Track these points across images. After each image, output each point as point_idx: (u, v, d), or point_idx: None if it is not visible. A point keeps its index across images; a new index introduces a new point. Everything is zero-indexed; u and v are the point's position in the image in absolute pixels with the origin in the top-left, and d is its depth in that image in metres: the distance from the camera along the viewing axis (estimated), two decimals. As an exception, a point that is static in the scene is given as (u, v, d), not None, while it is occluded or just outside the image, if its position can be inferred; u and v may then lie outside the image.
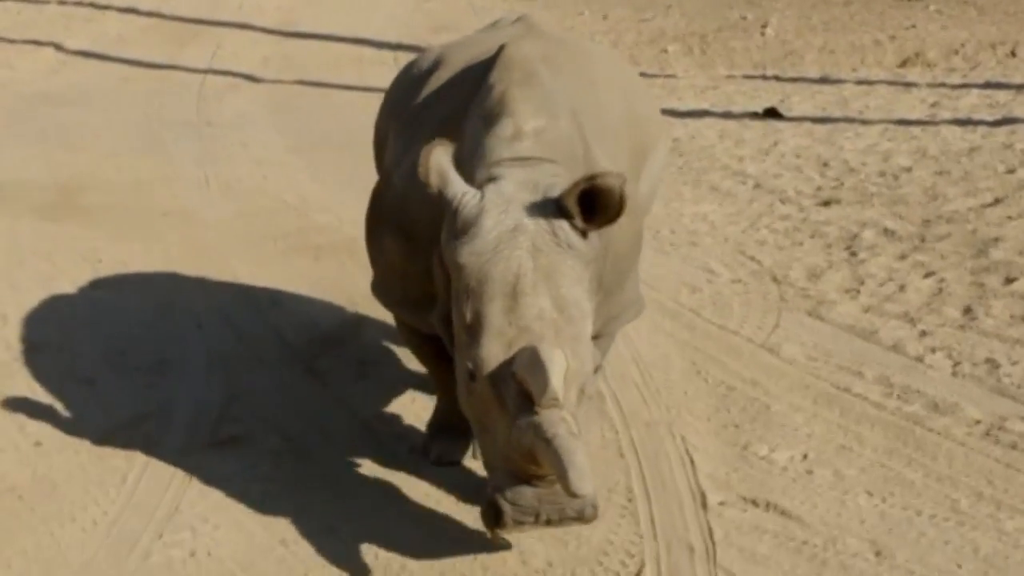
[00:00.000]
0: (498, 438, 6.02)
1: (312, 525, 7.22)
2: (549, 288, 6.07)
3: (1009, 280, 10.36)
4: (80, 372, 9.37)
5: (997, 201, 12.32)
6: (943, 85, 17.37)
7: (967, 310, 9.90)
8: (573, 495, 5.68)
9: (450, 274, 6.29)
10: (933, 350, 9.28)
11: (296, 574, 6.76)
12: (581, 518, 6.03)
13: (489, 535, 6.36)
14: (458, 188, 6.25)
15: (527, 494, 5.97)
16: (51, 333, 10.09)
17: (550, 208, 6.19)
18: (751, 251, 11.57)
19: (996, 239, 11.25)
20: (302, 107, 17.91)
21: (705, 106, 17.14)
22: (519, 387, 5.87)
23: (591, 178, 6.08)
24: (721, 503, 7.36)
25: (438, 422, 7.80)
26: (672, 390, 8.84)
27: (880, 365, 9.08)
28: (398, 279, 7.11)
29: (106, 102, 18.25)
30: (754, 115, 16.49)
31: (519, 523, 6.02)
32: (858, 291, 10.47)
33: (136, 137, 16.52)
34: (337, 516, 7.28)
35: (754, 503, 7.36)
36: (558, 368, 5.83)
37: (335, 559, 6.87)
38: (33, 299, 10.79)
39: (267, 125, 17.15)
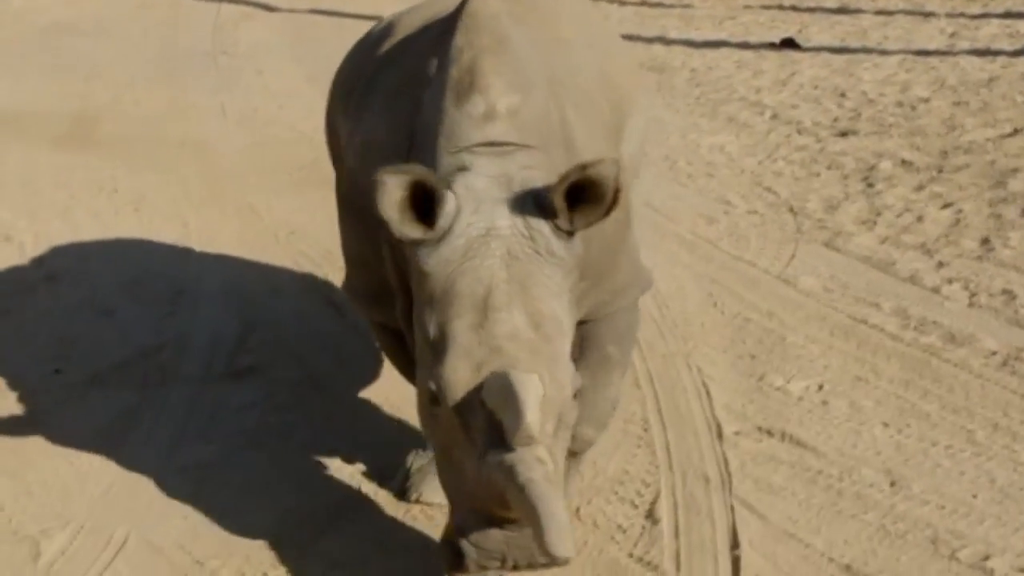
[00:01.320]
0: (464, 473, 5.16)
1: (330, 454, 7.26)
2: (524, 302, 5.23)
3: (1027, 211, 10.32)
4: (97, 302, 9.41)
5: (1016, 132, 12.26)
6: (962, 15, 17.26)
7: (984, 241, 9.87)
8: (549, 555, 4.79)
9: (412, 277, 5.49)
10: (950, 281, 9.27)
11: (315, 502, 6.80)
12: (554, 561, 5.09)
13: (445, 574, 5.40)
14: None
15: (495, 538, 5.14)
16: (68, 263, 10.12)
17: (527, 207, 5.34)
18: (768, 182, 11.54)
19: (1015, 170, 11.20)
20: (317, 37, 17.87)
21: (723, 36, 17.06)
22: (489, 418, 5.02)
23: (582, 168, 5.24)
24: (736, 433, 7.38)
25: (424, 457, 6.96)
26: (688, 321, 8.85)
27: (897, 296, 9.07)
28: (360, 269, 6.31)
29: (121, 31, 18.23)
30: (772, 46, 16.41)
31: (482, 568, 5.21)
32: (875, 222, 10.44)
33: (151, 67, 16.50)
34: (355, 445, 7.31)
35: (769, 433, 7.38)
36: (534, 399, 5.00)
37: (353, 488, 6.92)
38: (50, 229, 10.83)
39: (283, 55, 17.13)
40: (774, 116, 13.46)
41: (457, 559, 5.19)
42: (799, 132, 12.88)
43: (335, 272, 9.83)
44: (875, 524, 6.44)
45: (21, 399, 7.96)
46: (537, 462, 4.93)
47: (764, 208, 10.92)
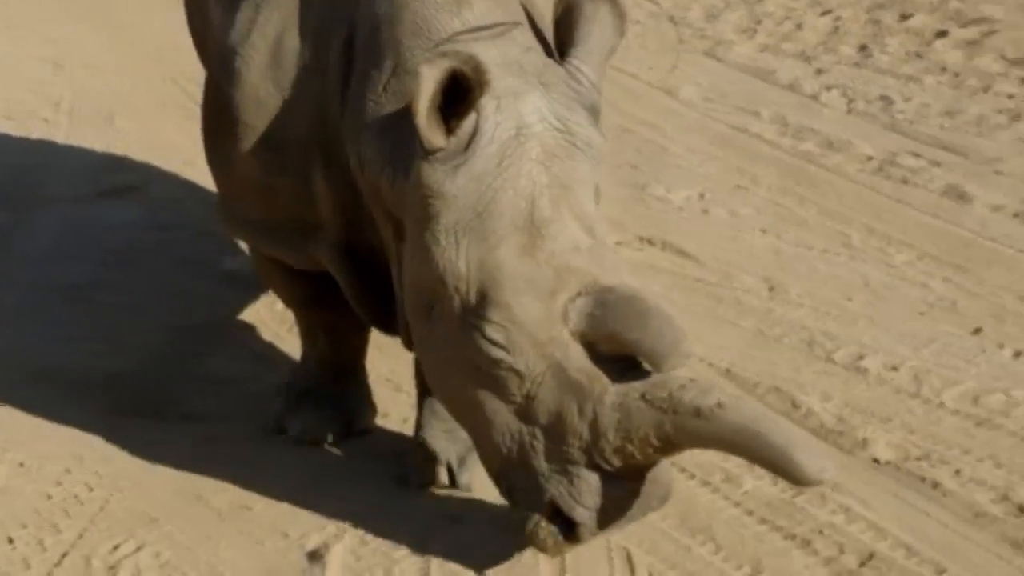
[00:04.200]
0: (568, 426, 4.26)
1: (211, 270, 7.20)
2: (570, 204, 4.36)
3: (904, 17, 10.38)
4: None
5: (895, -62, 12.28)
6: None
7: (862, 47, 9.93)
8: (806, 482, 4.01)
9: (404, 203, 4.49)
10: (828, 88, 9.34)
11: (196, 319, 6.72)
12: (656, 509, 4.53)
13: (549, 552, 4.56)
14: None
15: (618, 494, 4.33)
16: (-64, 83, 9.92)
17: (555, 94, 4.46)
18: (649, -8, 11.49)
19: (892, -24, 11.25)
20: None
21: None
22: (591, 351, 4.23)
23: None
24: (618, 243, 7.39)
25: (300, 386, 5.75)
26: (570, 132, 8.83)
27: (776, 104, 9.12)
28: (257, 198, 5.16)
29: None
30: None
31: (596, 534, 4.44)
32: (755, 31, 10.46)
33: None
34: (236, 259, 7.25)
35: (650, 242, 7.43)
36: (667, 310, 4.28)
37: (235, 303, 6.87)
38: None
39: None
40: (654, -76, 13.37)
41: (568, 531, 4.39)
42: (679, -60, 12.81)
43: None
44: (753, 329, 6.54)
45: None
46: (699, 383, 4.19)
47: (645, 18, 10.88)
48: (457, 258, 4.31)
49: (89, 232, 7.68)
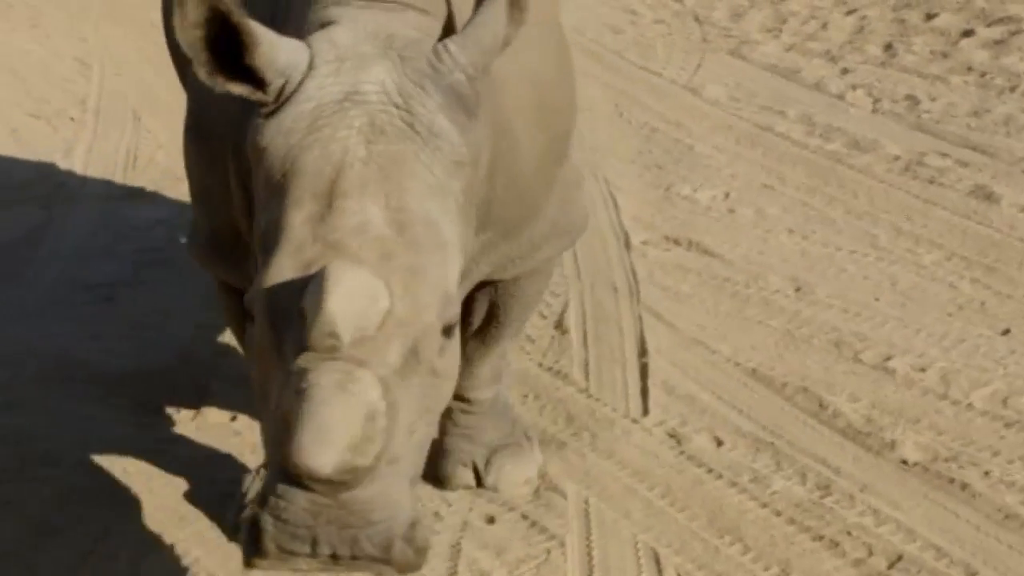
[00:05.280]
0: (266, 411, 3.67)
1: (238, 271, 7.23)
2: (386, 191, 3.71)
3: (930, 16, 10.36)
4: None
5: (920, -63, 12.27)
6: None
7: (888, 47, 9.91)
8: (292, 465, 3.35)
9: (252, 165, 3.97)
10: (854, 87, 9.32)
11: (222, 313, 6.76)
12: (387, 559, 3.47)
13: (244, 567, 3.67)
14: (264, 38, 3.75)
15: (298, 503, 3.46)
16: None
17: (410, 68, 3.84)
18: (674, -9, 11.49)
19: (919, -24, 11.23)
20: None
21: None
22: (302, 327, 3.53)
23: None
24: (644, 243, 7.43)
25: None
26: (596, 132, 8.84)
27: (802, 104, 9.11)
28: (202, 207, 4.86)
29: None
30: None
31: (287, 552, 3.49)
32: (780, 30, 10.44)
33: None
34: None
35: (677, 242, 7.43)
36: (347, 291, 3.49)
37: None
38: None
39: None
40: (679, -77, 13.37)
41: (254, 540, 3.50)
42: (704, -61, 12.81)
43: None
44: (781, 329, 6.53)
45: (-78, 221, 7.85)
46: (334, 371, 3.45)
47: (670, 18, 10.88)
48: (262, 216, 3.79)
49: (117, 230, 7.71)
